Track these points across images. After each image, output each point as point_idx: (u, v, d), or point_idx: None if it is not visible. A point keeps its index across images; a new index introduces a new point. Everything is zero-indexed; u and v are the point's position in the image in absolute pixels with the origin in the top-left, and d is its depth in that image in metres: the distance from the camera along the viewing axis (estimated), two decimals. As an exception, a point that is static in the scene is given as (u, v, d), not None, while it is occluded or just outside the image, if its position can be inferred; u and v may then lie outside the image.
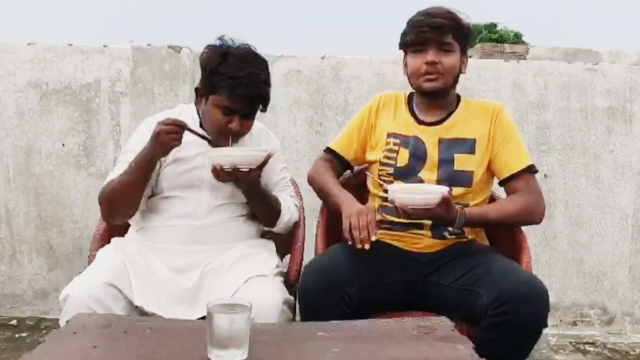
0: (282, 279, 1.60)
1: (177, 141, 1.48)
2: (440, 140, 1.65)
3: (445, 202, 1.45)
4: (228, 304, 1.11)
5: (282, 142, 2.59)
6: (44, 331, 2.47)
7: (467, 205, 1.60)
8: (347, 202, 1.56)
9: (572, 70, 2.65)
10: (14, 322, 2.58)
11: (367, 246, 1.41)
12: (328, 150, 1.84)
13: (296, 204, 1.81)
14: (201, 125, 1.65)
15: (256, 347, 1.11)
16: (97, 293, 1.38)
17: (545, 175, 2.63)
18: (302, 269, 1.53)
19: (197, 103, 1.66)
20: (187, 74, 2.57)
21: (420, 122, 1.70)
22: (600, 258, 2.69)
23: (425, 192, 1.46)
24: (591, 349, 2.52)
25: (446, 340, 1.21)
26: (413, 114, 1.73)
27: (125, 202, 1.57)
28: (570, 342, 2.55)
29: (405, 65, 1.71)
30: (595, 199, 2.67)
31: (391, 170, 1.67)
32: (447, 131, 1.66)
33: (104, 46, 2.61)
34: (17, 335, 2.44)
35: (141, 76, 2.59)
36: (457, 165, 1.63)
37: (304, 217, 1.85)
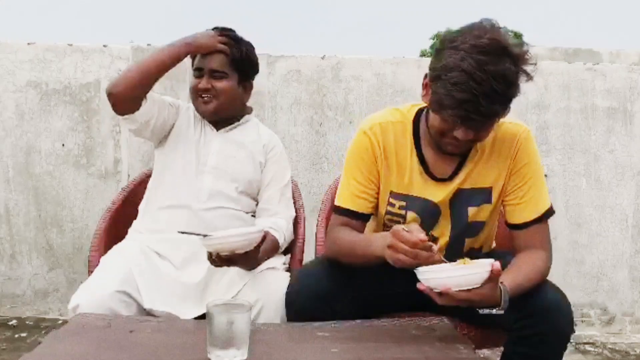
0: (288, 274, 1.61)
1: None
2: (453, 195, 1.46)
3: (495, 277, 1.20)
4: (228, 304, 1.11)
5: (282, 142, 2.58)
6: (43, 331, 2.47)
7: (477, 250, 1.52)
8: (378, 246, 1.31)
9: (572, 70, 2.65)
10: (14, 322, 2.58)
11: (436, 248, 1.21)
12: (339, 211, 1.51)
13: (290, 222, 1.74)
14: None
15: (256, 347, 1.11)
16: (108, 301, 1.38)
17: (545, 175, 2.62)
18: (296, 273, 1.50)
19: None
20: (187, 74, 2.56)
21: (432, 177, 1.46)
22: (600, 258, 2.69)
23: (470, 268, 1.19)
24: (591, 349, 2.51)
25: (446, 340, 1.21)
26: (423, 163, 1.47)
27: (136, 83, 1.65)
28: (570, 342, 2.54)
29: (428, 110, 1.41)
30: (595, 199, 2.67)
31: None
32: (462, 183, 1.45)
33: (104, 46, 2.61)
34: (17, 335, 2.44)
35: (141, 76, 2.59)
36: (471, 218, 1.48)
37: (304, 217, 1.85)
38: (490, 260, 1.19)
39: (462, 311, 1.42)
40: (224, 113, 1.71)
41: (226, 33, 1.69)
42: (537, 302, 1.31)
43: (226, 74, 1.68)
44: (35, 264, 2.65)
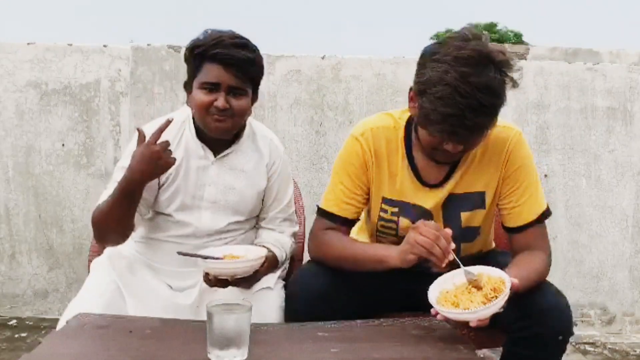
0: (283, 283, 1.58)
1: (170, 161, 1.35)
2: (445, 200, 1.45)
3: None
4: (228, 304, 1.11)
5: (282, 142, 2.58)
6: (43, 331, 2.47)
7: (475, 255, 1.51)
8: (390, 252, 1.35)
9: (572, 70, 2.65)
10: (13, 322, 2.58)
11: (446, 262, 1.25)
12: (324, 214, 1.51)
13: (293, 239, 1.67)
14: (198, 134, 1.53)
15: (256, 347, 1.11)
16: None
17: (545, 175, 2.63)
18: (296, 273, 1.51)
19: (188, 101, 1.53)
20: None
21: (423, 183, 1.46)
22: (600, 258, 2.69)
23: (493, 306, 1.16)
24: (591, 349, 2.51)
25: (446, 340, 1.21)
26: (414, 169, 1.46)
27: (113, 228, 1.45)
28: (570, 342, 2.54)
29: (415, 124, 1.39)
30: (595, 199, 2.66)
31: (392, 238, 1.50)
32: (454, 188, 1.45)
33: (104, 46, 2.61)
34: (16, 335, 2.44)
35: (141, 76, 2.59)
36: (464, 223, 1.47)
37: (304, 217, 1.85)
38: (507, 277, 1.20)
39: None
40: (235, 131, 1.54)
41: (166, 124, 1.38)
42: (536, 304, 1.31)
43: (245, 91, 1.48)
44: (35, 264, 2.65)
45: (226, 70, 1.43)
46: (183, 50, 2.55)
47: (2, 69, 2.58)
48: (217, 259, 1.39)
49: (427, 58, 1.26)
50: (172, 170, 1.47)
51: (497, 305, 1.16)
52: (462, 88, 1.18)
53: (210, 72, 1.43)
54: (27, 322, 2.59)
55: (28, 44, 2.61)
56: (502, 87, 1.24)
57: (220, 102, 1.43)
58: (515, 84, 1.26)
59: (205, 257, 1.38)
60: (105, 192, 1.48)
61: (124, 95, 2.59)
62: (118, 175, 1.45)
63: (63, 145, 2.60)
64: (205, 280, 1.40)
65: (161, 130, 1.37)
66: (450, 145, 1.28)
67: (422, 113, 1.28)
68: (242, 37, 1.49)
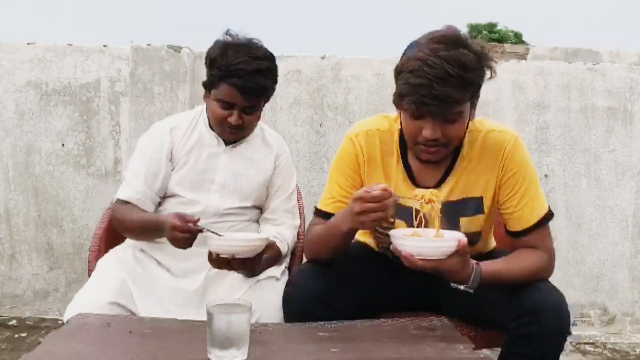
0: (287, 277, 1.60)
1: (188, 246, 1.43)
2: (443, 206, 1.38)
3: (462, 251, 1.24)
4: (228, 304, 1.11)
5: (282, 142, 2.59)
6: (43, 331, 2.47)
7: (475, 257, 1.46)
8: (343, 220, 1.34)
9: (572, 70, 2.65)
10: (14, 322, 2.58)
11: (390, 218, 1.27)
12: (320, 214, 1.53)
13: (294, 232, 1.72)
14: (211, 125, 1.64)
15: (256, 347, 1.11)
16: (103, 313, 1.37)
17: (545, 175, 2.63)
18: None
19: (204, 98, 1.64)
20: (187, 74, 2.57)
21: (417, 186, 1.44)
22: (601, 258, 2.69)
23: (440, 239, 1.25)
24: (591, 349, 2.51)
25: (446, 340, 1.21)
26: (408, 170, 1.47)
27: (133, 236, 1.61)
28: (570, 342, 2.55)
29: (398, 111, 1.40)
30: (595, 199, 2.66)
31: (389, 239, 1.47)
32: (450, 193, 1.44)
33: (104, 46, 2.61)
34: (16, 335, 2.44)
35: (141, 76, 2.59)
36: (463, 229, 1.43)
37: (304, 217, 1.85)
38: (459, 235, 1.25)
39: (462, 311, 1.42)
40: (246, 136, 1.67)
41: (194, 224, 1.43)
42: (534, 302, 1.32)
43: (258, 108, 1.60)
44: (35, 264, 2.65)
45: (242, 96, 1.51)
46: (183, 50, 2.57)
47: (2, 69, 2.58)
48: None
49: (407, 49, 1.33)
50: (183, 155, 1.61)
51: (443, 244, 1.23)
52: (431, 60, 1.23)
53: (227, 93, 1.52)
54: (27, 322, 2.59)
55: (28, 44, 2.61)
56: (472, 62, 1.27)
57: (234, 119, 1.54)
58: (493, 72, 1.32)
59: (210, 231, 1.40)
60: (125, 184, 1.61)
61: (124, 95, 2.59)
62: (136, 164, 1.61)
63: (63, 145, 2.61)
64: (209, 260, 1.43)
65: (189, 220, 1.42)
66: (427, 130, 1.30)
67: (397, 92, 1.32)
68: (261, 57, 1.54)
